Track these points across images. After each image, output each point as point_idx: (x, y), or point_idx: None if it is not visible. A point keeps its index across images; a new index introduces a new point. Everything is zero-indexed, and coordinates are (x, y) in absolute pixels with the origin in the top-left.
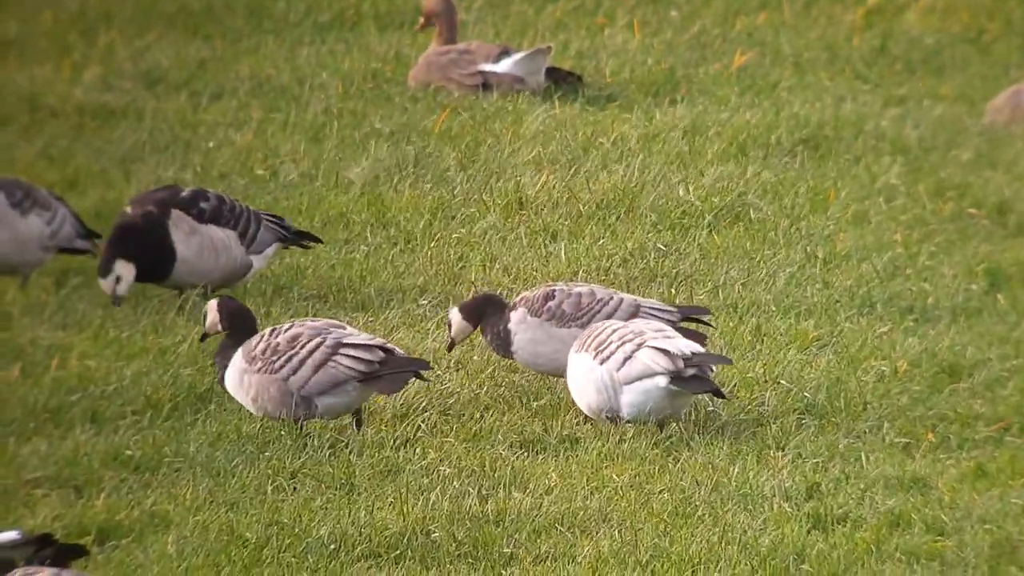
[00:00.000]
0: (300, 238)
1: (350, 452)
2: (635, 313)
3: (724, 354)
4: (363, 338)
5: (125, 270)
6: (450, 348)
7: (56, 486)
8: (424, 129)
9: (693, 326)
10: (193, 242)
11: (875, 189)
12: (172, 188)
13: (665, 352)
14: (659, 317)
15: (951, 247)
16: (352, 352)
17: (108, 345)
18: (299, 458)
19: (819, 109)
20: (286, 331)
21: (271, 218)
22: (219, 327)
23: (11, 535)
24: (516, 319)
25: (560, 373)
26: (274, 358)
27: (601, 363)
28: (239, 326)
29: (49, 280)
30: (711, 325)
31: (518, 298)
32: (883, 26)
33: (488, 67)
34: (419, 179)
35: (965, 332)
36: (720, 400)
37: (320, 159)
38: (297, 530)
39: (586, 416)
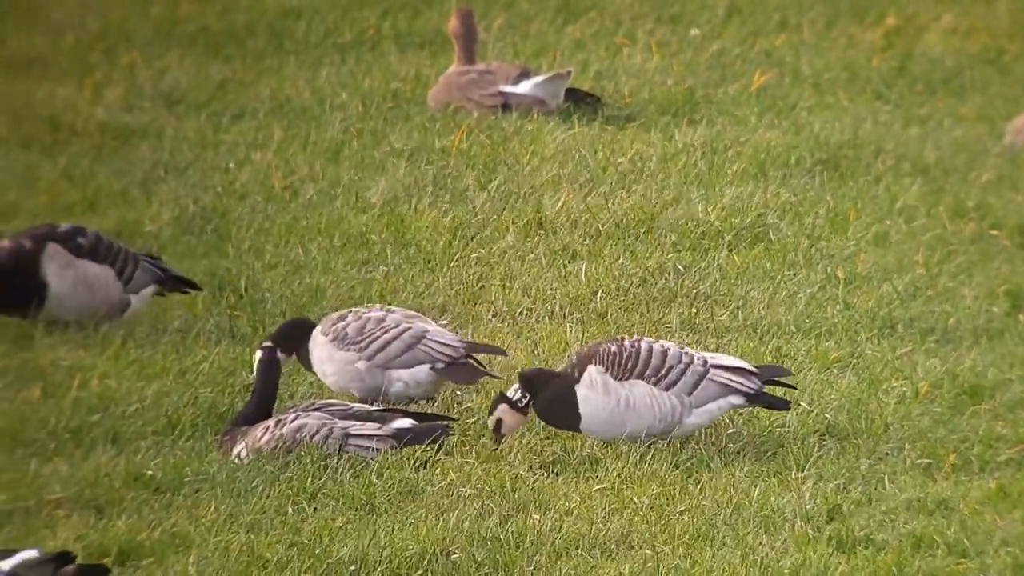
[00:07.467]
0: (178, 283)
1: (370, 473)
2: (413, 345)
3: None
4: (370, 428)
5: None
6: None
7: (77, 507)
8: (443, 149)
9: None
10: (68, 276)
11: (895, 210)
12: (51, 225)
13: (742, 371)
14: (440, 351)
15: (972, 268)
16: (362, 443)
17: (129, 365)
18: (319, 479)
19: (839, 129)
20: (292, 421)
21: (150, 260)
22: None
23: (31, 554)
24: (313, 335)
25: (345, 393)
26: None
27: (667, 388)
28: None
29: None
30: (493, 375)
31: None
32: (903, 47)
33: (508, 88)
34: (438, 199)
35: (987, 353)
36: (741, 421)
37: (339, 178)
38: (317, 551)
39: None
